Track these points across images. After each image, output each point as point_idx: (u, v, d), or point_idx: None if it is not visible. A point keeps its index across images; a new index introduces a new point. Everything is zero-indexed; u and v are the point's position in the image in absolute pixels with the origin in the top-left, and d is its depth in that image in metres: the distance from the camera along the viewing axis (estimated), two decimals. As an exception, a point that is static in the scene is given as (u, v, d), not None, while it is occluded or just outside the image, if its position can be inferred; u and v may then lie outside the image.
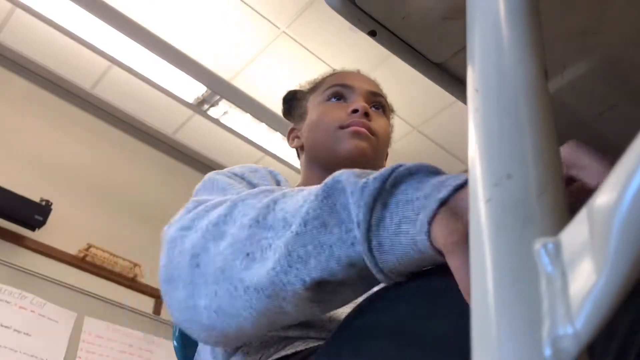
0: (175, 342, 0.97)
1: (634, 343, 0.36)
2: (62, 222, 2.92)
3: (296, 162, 1.10)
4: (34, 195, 2.83)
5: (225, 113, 3.28)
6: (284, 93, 1.14)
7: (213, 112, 3.29)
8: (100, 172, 3.24)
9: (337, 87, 1.01)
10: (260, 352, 0.68)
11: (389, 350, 0.45)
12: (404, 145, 3.30)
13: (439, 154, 3.42)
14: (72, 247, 2.94)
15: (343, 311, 0.65)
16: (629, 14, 0.61)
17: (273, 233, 0.50)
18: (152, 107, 3.30)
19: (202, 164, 3.65)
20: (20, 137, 3.02)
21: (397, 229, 0.43)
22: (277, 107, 3.36)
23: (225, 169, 0.79)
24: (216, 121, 3.34)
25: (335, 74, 1.06)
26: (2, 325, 2.55)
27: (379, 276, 0.46)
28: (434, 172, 0.46)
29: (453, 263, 0.39)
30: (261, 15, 2.78)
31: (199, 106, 3.26)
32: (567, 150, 0.43)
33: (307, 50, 2.92)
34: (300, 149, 1.05)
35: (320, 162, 0.98)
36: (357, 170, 0.49)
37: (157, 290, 2.50)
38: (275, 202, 0.53)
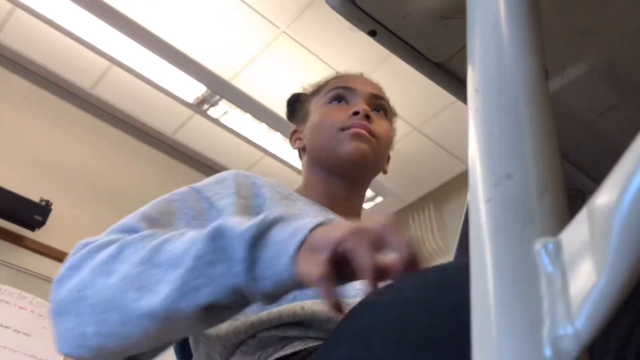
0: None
1: (633, 343, 0.36)
2: (62, 222, 2.92)
3: (296, 163, 1.10)
4: (34, 195, 2.83)
5: (225, 113, 3.28)
6: (284, 93, 1.14)
7: (213, 112, 3.29)
8: (100, 172, 3.23)
9: (339, 90, 1.01)
10: (259, 352, 0.68)
11: (387, 350, 0.45)
12: (404, 145, 3.30)
13: (439, 154, 3.42)
14: (72, 247, 2.92)
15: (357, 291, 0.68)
16: (629, 14, 0.61)
17: (162, 270, 0.60)
18: (152, 107, 3.30)
19: (202, 164, 3.65)
20: (20, 137, 3.02)
21: (270, 263, 0.57)
22: (277, 107, 3.35)
23: (193, 185, 0.84)
24: (216, 121, 3.34)
25: (337, 77, 1.07)
26: (2, 325, 2.55)
27: (257, 300, 0.59)
28: (294, 218, 0.60)
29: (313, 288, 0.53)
30: (261, 15, 2.78)
31: (199, 106, 3.26)
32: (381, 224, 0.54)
33: (307, 50, 2.92)
34: (302, 151, 1.05)
35: (322, 164, 0.98)
36: (236, 219, 0.62)
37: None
38: (162, 244, 0.63)
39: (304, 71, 2.95)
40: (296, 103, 1.11)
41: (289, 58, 2.96)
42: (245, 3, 2.72)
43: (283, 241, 0.57)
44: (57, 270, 0.71)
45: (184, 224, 0.75)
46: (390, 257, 0.52)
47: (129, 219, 0.74)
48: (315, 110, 1.02)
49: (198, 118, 3.34)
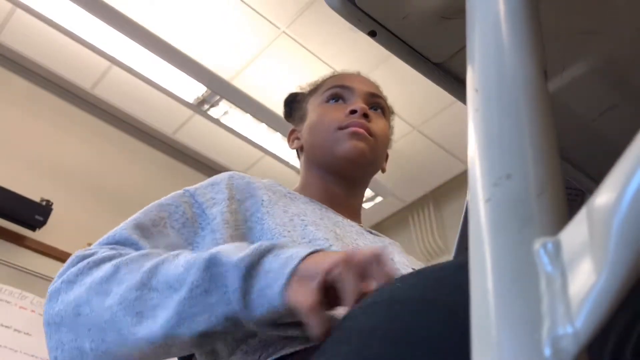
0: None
1: (630, 341, 0.36)
2: (62, 222, 2.92)
3: (296, 163, 1.10)
4: (35, 195, 2.83)
5: (225, 113, 3.28)
6: (284, 93, 1.14)
7: (213, 112, 3.29)
8: (100, 172, 3.24)
9: (336, 89, 1.01)
10: (260, 351, 0.68)
11: (387, 350, 0.45)
12: (404, 145, 3.30)
13: (439, 154, 3.42)
14: (72, 247, 2.91)
15: (342, 312, 0.65)
16: (629, 14, 0.61)
17: (158, 294, 0.63)
18: (152, 107, 3.30)
19: (202, 164, 3.65)
20: (21, 137, 3.02)
21: (263, 292, 0.59)
22: (277, 107, 3.36)
23: (188, 188, 0.85)
24: (216, 121, 3.34)
25: (334, 76, 1.07)
26: (2, 325, 2.55)
27: (251, 326, 0.61)
28: (286, 246, 0.63)
29: (303, 318, 0.57)
30: (261, 15, 2.78)
31: (199, 106, 3.26)
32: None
33: (307, 50, 2.92)
34: (300, 150, 1.05)
35: (320, 163, 0.98)
36: (230, 247, 0.64)
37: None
38: (157, 267, 0.65)
39: (304, 71, 2.95)
40: (293, 103, 1.11)
41: (289, 58, 2.96)
42: (245, 3, 2.72)
43: (275, 270, 0.59)
44: (58, 270, 0.71)
45: (175, 233, 0.77)
46: (372, 286, 0.56)
47: (122, 228, 0.76)
48: (313, 110, 1.02)
49: (198, 118, 3.34)
